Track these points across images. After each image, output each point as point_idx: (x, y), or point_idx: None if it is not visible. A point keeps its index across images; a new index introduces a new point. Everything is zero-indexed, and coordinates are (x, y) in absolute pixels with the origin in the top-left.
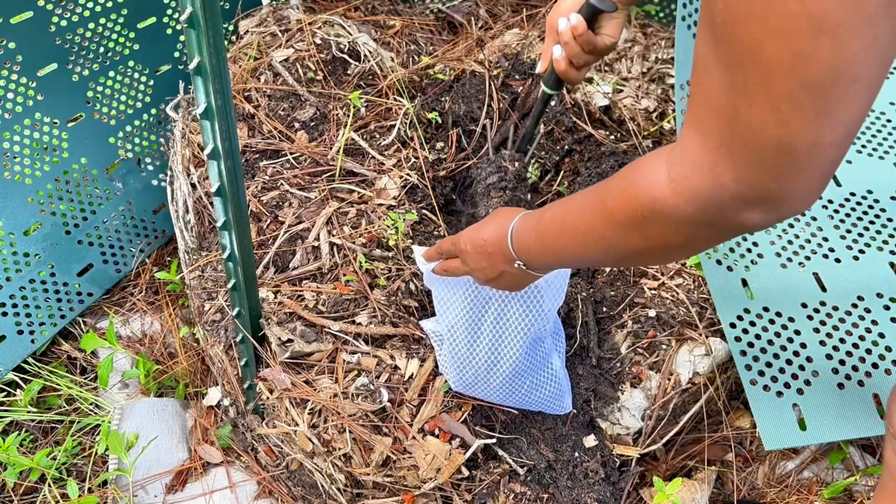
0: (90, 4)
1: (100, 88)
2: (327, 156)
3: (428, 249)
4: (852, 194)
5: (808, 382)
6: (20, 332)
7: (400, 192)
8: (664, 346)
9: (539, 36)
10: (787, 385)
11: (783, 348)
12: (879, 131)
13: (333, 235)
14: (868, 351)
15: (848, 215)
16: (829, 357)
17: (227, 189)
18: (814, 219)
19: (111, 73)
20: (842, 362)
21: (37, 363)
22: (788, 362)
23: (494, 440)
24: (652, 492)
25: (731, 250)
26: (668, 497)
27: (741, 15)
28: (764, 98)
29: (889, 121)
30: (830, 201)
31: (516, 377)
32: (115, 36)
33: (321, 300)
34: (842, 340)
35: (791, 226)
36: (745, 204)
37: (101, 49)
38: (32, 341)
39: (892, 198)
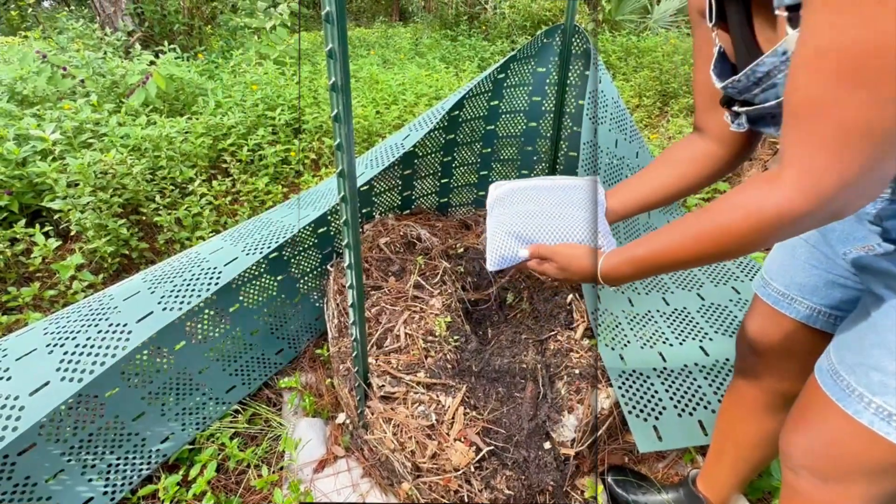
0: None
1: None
2: (405, 288)
3: (534, 246)
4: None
5: (660, 413)
6: (243, 383)
7: (443, 307)
8: (585, 390)
9: None
10: (649, 414)
11: (645, 394)
12: None
13: (407, 328)
14: (693, 396)
15: (675, 321)
16: (671, 399)
17: (356, 305)
18: (655, 322)
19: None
20: (678, 403)
21: (250, 399)
22: (649, 401)
23: (493, 447)
24: (584, 480)
25: (613, 339)
26: (591, 486)
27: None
28: (851, 153)
29: None
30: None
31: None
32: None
33: (400, 364)
34: (677, 391)
35: (644, 325)
36: (845, 200)
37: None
38: (249, 387)
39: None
